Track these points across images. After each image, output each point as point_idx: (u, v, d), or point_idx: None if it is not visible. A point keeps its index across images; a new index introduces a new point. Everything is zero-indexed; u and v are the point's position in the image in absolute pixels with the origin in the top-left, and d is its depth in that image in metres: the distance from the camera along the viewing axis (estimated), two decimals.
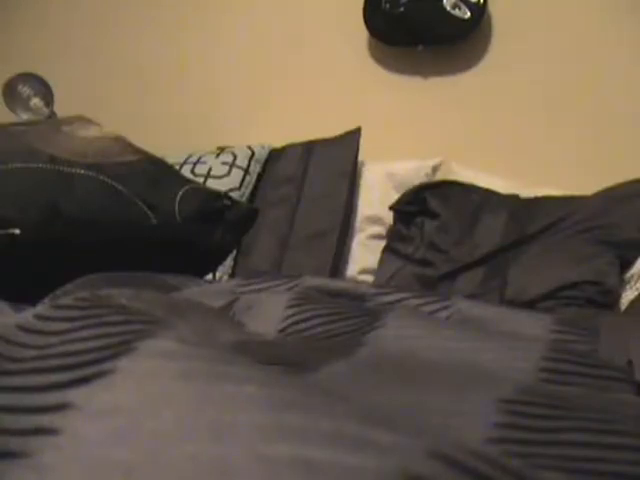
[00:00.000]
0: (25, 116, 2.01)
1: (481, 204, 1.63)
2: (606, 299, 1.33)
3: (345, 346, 0.53)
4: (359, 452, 0.24)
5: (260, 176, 1.78)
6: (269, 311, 0.68)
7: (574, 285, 1.36)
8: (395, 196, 1.74)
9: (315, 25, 1.98)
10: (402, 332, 0.58)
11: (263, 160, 1.80)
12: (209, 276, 1.60)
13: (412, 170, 1.80)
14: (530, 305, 1.33)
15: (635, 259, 1.40)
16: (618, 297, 1.35)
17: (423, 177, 1.79)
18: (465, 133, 1.86)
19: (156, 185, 0.96)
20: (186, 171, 1.74)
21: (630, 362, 0.53)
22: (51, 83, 2.02)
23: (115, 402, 0.27)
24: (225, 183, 1.70)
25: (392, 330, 0.58)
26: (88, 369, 0.29)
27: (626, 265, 1.41)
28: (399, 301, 0.78)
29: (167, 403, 0.26)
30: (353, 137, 1.76)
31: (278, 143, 1.84)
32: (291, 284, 0.84)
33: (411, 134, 1.89)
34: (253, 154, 1.78)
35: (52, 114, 2.00)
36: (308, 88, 1.97)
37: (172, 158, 1.81)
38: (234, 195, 1.70)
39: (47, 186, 0.87)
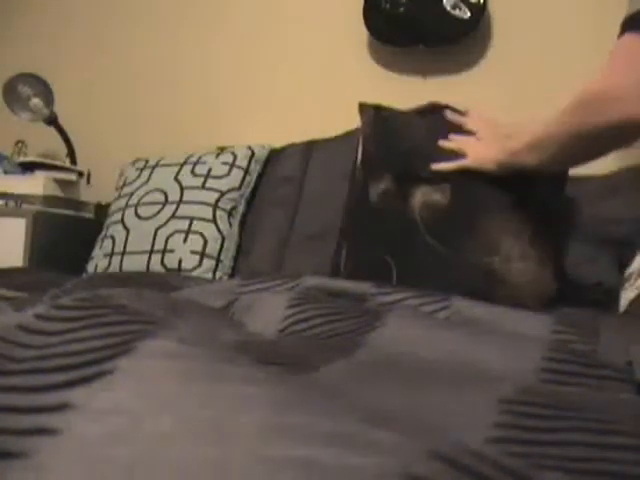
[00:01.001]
0: (25, 116, 2.01)
1: None
2: (606, 299, 1.33)
3: (345, 346, 0.53)
4: (360, 452, 0.24)
5: (260, 176, 1.78)
6: (269, 311, 0.68)
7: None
8: None
9: (315, 25, 1.98)
10: (402, 332, 0.58)
11: (263, 160, 1.80)
12: (209, 276, 1.60)
13: None
14: None
15: (633, 257, 1.40)
16: (618, 297, 1.34)
17: None
18: None
19: None
20: (186, 171, 1.74)
21: (630, 362, 0.53)
22: (51, 83, 2.02)
23: (115, 402, 0.27)
24: (225, 183, 1.70)
25: (392, 330, 0.58)
26: (88, 369, 0.29)
27: (624, 263, 1.41)
28: (399, 301, 0.78)
29: (167, 403, 0.26)
30: (353, 137, 1.75)
31: (278, 143, 1.84)
32: (291, 284, 0.84)
33: None
34: (253, 154, 1.78)
35: (52, 114, 2.00)
36: (308, 88, 1.97)
37: (172, 158, 1.80)
38: (234, 195, 1.70)
39: None
